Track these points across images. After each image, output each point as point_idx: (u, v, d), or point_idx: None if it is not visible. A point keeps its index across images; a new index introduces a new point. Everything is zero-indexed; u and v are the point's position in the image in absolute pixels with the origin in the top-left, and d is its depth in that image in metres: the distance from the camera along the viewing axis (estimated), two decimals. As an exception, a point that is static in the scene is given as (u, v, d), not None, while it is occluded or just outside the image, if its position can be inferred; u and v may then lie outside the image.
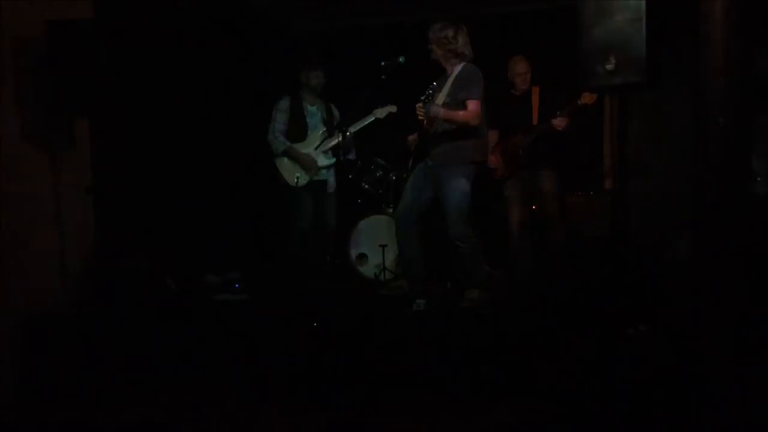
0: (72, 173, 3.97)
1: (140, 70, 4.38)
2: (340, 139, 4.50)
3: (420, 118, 3.99)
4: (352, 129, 4.71)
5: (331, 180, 4.93)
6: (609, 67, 3.18)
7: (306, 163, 4.75)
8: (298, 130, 4.80)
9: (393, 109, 4.68)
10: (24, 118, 3.73)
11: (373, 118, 4.72)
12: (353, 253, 5.19)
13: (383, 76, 4.10)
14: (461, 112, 3.89)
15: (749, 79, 2.94)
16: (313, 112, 4.88)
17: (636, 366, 2.94)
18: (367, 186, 5.33)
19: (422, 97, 3.98)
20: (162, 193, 4.69)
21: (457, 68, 4.01)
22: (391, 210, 5.10)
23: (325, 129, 4.84)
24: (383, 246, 4.98)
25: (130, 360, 3.52)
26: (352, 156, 4.98)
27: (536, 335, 3.32)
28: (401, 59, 4.10)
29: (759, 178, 3.88)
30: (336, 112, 5.00)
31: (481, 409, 3.08)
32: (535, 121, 4.56)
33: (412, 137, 4.26)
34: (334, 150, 4.78)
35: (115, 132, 4.26)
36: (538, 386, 3.10)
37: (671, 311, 3.45)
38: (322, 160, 4.82)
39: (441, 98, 4.00)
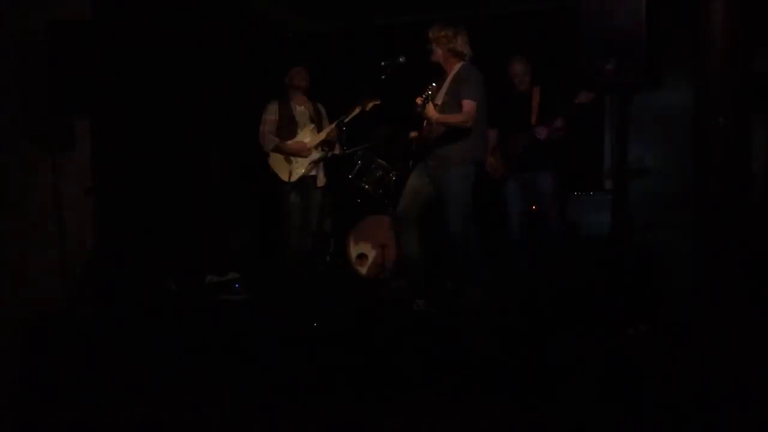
0: (72, 173, 3.97)
1: (140, 70, 4.38)
2: (326, 135, 4.64)
3: (415, 113, 4.00)
4: (336, 124, 4.73)
5: (321, 175, 4.95)
6: (609, 67, 3.18)
7: (297, 150, 4.77)
8: (288, 131, 4.83)
9: (377, 101, 4.69)
10: (24, 118, 3.73)
11: (357, 111, 4.72)
12: (353, 253, 5.19)
13: (383, 76, 4.10)
14: (453, 115, 3.89)
15: (749, 79, 2.94)
16: (301, 111, 4.91)
17: (636, 366, 2.94)
18: (367, 186, 5.33)
19: (422, 95, 3.99)
20: (162, 193, 4.69)
21: (456, 68, 4.02)
22: (391, 210, 5.10)
23: (313, 126, 4.88)
24: (383, 246, 4.98)
25: (130, 360, 3.52)
26: (336, 151, 4.99)
27: (536, 335, 3.32)
28: (401, 59, 4.11)
29: None
30: (323, 110, 5.03)
31: (482, 409, 3.08)
32: (533, 122, 4.56)
33: (413, 134, 4.26)
34: (322, 146, 4.82)
35: (115, 132, 4.26)
36: (539, 386, 3.09)
37: (671, 311, 3.45)
38: (313, 154, 4.84)
39: (440, 98, 4.00)
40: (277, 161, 4.81)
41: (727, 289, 2.88)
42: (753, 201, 3.17)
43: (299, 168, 4.80)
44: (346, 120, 4.70)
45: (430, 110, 3.92)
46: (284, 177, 4.78)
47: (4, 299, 3.54)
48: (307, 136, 4.84)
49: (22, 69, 3.73)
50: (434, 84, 4.02)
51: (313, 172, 4.88)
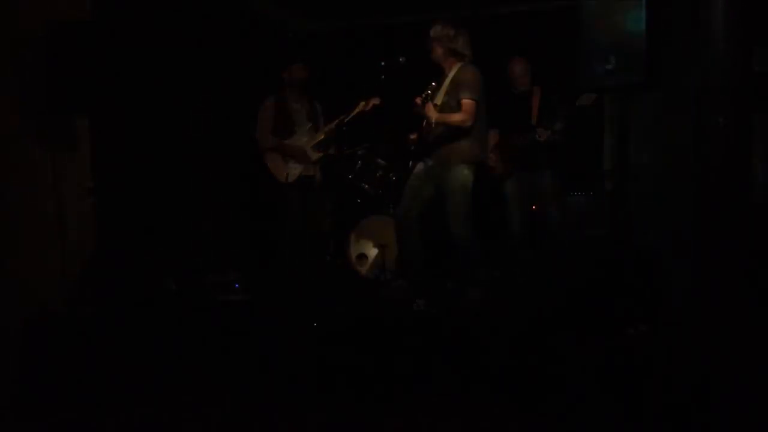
0: (72, 173, 3.97)
1: (140, 70, 4.38)
2: (325, 134, 4.70)
3: (414, 112, 4.01)
4: (335, 124, 4.73)
5: (318, 175, 4.95)
6: (609, 67, 3.18)
7: (297, 155, 4.78)
8: (285, 127, 4.84)
9: (377, 101, 4.70)
10: (24, 118, 3.73)
11: (357, 110, 4.72)
12: (353, 253, 5.19)
13: (383, 76, 4.11)
14: (453, 115, 3.90)
15: (749, 79, 2.94)
16: (298, 109, 4.91)
17: (636, 366, 2.94)
18: (367, 186, 5.34)
19: (422, 95, 4.00)
20: (162, 193, 4.69)
21: (456, 68, 4.02)
22: (391, 210, 5.10)
23: (311, 124, 4.88)
24: (383, 246, 4.98)
25: (130, 360, 3.52)
26: (332, 151, 5.00)
27: (536, 335, 3.32)
28: (401, 59, 4.11)
29: None
30: (319, 108, 5.03)
31: (481, 409, 3.08)
32: (534, 122, 4.56)
33: (412, 137, 4.27)
34: (320, 145, 4.82)
35: (115, 132, 4.26)
36: (538, 386, 3.09)
37: (671, 311, 3.45)
38: (311, 154, 4.84)
39: (439, 98, 4.00)
40: (273, 162, 4.80)
41: (727, 289, 2.88)
42: (753, 201, 3.17)
43: (296, 168, 4.79)
44: (346, 119, 4.70)
45: (430, 110, 3.92)
46: (281, 178, 4.77)
47: (4, 299, 3.54)
48: (305, 136, 4.84)
49: (21, 69, 3.72)
50: (434, 84, 4.03)
51: (311, 172, 4.88)
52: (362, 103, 4.70)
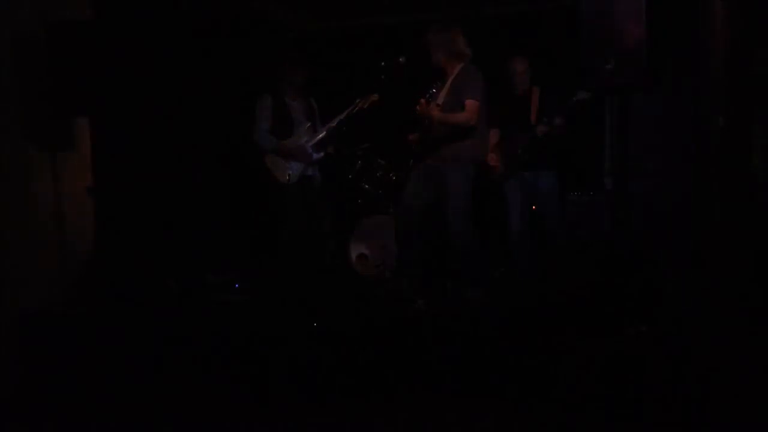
0: (72, 173, 3.97)
1: (140, 70, 4.38)
2: (325, 132, 4.66)
3: (418, 113, 4.01)
4: (335, 122, 4.73)
5: (317, 175, 4.95)
6: (609, 67, 3.18)
7: (299, 154, 4.76)
8: (283, 127, 4.82)
9: (375, 97, 4.69)
10: (24, 118, 3.73)
11: (355, 109, 4.71)
12: (353, 253, 5.19)
13: (383, 76, 4.11)
14: (456, 115, 3.90)
15: (749, 79, 2.94)
16: (296, 108, 4.89)
17: (636, 366, 2.94)
18: (367, 186, 5.34)
19: (426, 96, 4.00)
20: (162, 193, 4.69)
21: (457, 69, 4.02)
22: (391, 210, 5.10)
23: (310, 124, 4.86)
24: (383, 246, 4.98)
25: (130, 360, 3.52)
26: (330, 150, 4.99)
27: (536, 335, 3.32)
28: (401, 59, 4.12)
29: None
30: (316, 107, 5.02)
31: (481, 409, 3.08)
32: (533, 121, 4.56)
33: (413, 137, 4.27)
34: (320, 144, 4.81)
35: (115, 132, 4.26)
36: (538, 386, 3.09)
37: (671, 311, 3.45)
38: (311, 153, 4.83)
39: (441, 98, 4.01)
40: (273, 162, 4.79)
41: (727, 289, 2.88)
42: (754, 201, 3.17)
43: (297, 169, 4.77)
44: (345, 117, 4.69)
45: (433, 110, 3.92)
46: (282, 179, 4.75)
47: (4, 299, 3.54)
48: (304, 136, 4.83)
49: (22, 69, 3.73)
50: (438, 83, 4.03)
51: (310, 172, 4.87)
52: (360, 101, 4.68)
